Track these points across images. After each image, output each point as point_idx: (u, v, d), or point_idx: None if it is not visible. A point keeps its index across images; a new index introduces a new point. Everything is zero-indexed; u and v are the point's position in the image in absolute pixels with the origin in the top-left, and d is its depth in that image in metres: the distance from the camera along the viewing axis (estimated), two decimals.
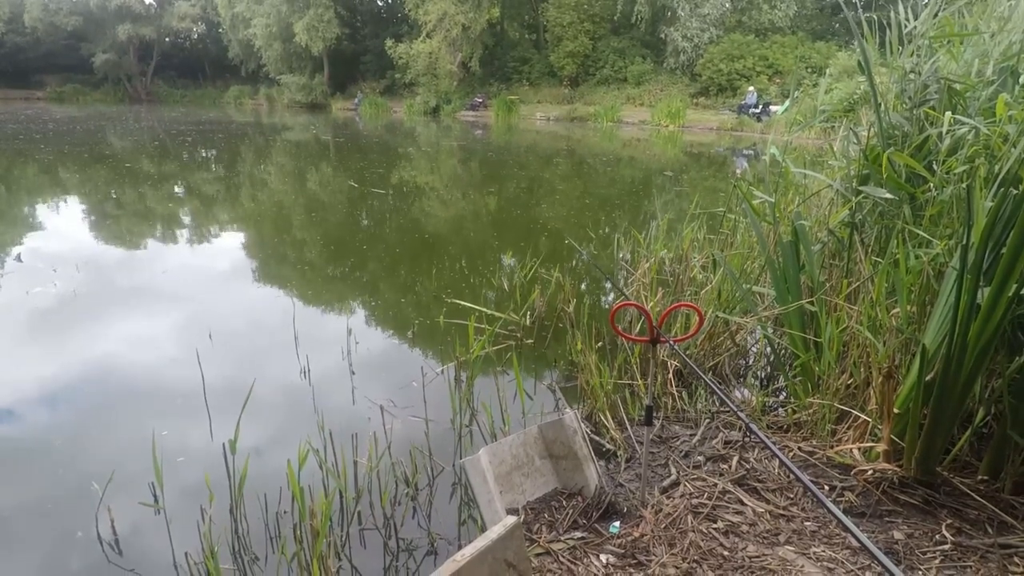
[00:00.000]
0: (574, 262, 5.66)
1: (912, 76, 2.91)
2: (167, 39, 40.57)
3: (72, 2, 36.93)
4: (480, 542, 1.48)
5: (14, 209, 7.56)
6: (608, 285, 4.96)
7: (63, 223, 6.92)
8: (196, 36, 42.71)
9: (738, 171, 12.08)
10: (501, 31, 31.77)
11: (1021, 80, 2.54)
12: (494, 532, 1.52)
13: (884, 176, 2.59)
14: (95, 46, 38.03)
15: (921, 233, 2.39)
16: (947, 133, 2.41)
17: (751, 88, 22.25)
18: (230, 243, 6.46)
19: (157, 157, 13.50)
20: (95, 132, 18.22)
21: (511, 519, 1.59)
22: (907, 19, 3.04)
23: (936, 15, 2.98)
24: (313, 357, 3.31)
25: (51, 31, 37.43)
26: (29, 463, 2.51)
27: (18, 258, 5.11)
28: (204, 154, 14.66)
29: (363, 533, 2.08)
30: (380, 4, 36.59)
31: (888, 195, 2.55)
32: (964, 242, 1.80)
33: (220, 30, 38.38)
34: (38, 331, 3.75)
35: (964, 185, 2.19)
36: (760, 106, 20.92)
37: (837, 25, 25.95)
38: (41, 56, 38.70)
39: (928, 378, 1.93)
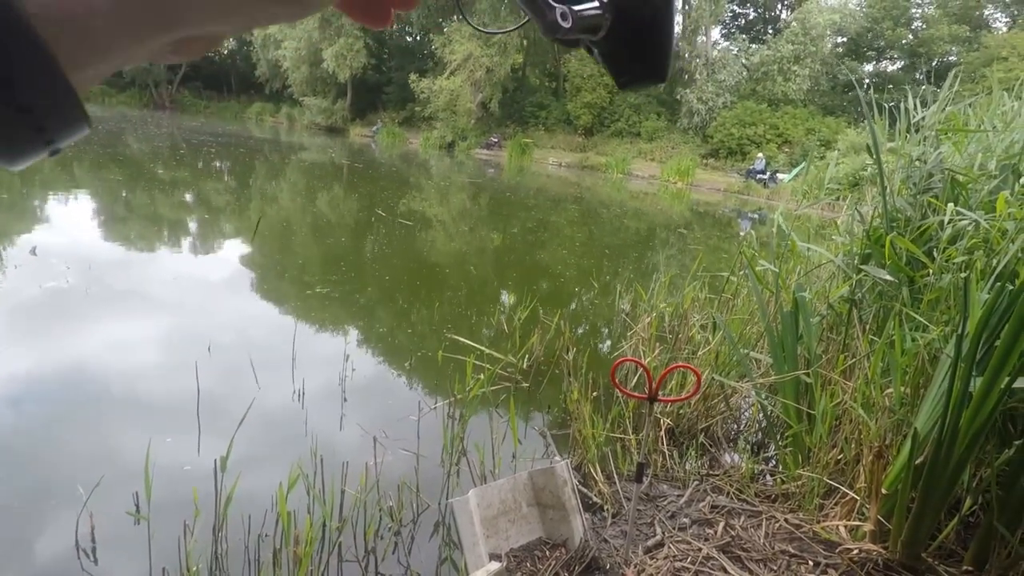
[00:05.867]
0: (573, 305, 5.70)
1: (918, 163, 3.02)
2: None
3: None
4: None
5: (33, 203, 7.65)
6: (606, 331, 4.98)
7: (79, 220, 7.00)
8: (226, 51, 43.93)
9: (742, 232, 12.27)
10: (522, 76, 32.69)
11: (1022, 180, 2.64)
12: None
13: (886, 258, 2.66)
14: None
15: (918, 317, 2.44)
16: (949, 223, 2.49)
17: (760, 154, 22.80)
18: (241, 257, 6.51)
19: (178, 165, 13.72)
20: (118, 135, 18.54)
21: (495, 565, 1.59)
22: (916, 109, 3.19)
23: (944, 109, 3.12)
24: (308, 380, 3.31)
25: None
26: (20, 456, 2.49)
27: (33, 251, 5.16)
28: (219, 165, 14.89)
29: (342, 564, 2.06)
30: (408, 39, 37.77)
31: (888, 277, 2.61)
32: (960, 331, 1.85)
33: (251, 48, 39.50)
34: (47, 325, 3.76)
35: (963, 275, 2.26)
36: (768, 173, 21.40)
37: (847, 103, 26.73)
38: None
39: (918, 461, 1.95)
